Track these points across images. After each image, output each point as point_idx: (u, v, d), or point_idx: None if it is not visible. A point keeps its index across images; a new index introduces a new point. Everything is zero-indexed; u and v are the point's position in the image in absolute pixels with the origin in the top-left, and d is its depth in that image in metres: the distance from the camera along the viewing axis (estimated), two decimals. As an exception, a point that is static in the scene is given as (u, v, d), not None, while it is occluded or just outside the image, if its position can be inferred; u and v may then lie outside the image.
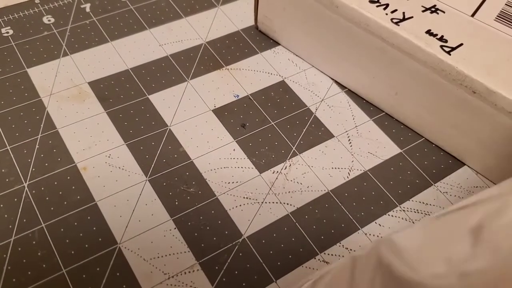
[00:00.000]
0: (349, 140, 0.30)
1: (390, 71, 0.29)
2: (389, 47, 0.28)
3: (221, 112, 0.31)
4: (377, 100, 0.32)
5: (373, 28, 0.28)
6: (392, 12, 0.29)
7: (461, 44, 0.27)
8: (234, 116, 0.31)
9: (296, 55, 0.34)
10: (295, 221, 0.27)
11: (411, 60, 0.28)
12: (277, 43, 0.35)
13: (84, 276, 0.24)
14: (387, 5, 0.29)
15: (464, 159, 0.30)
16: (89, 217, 0.26)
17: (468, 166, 0.30)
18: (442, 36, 0.28)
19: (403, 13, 0.29)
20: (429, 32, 0.28)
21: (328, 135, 0.30)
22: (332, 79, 0.33)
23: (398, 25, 0.28)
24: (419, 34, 0.28)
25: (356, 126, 0.31)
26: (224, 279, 0.24)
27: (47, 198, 0.26)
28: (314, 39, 0.32)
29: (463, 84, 0.26)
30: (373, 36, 0.29)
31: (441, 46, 0.27)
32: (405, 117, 0.31)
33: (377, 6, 0.29)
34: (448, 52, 0.27)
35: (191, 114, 0.31)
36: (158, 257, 0.24)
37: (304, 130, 0.30)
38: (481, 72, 0.26)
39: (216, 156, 0.29)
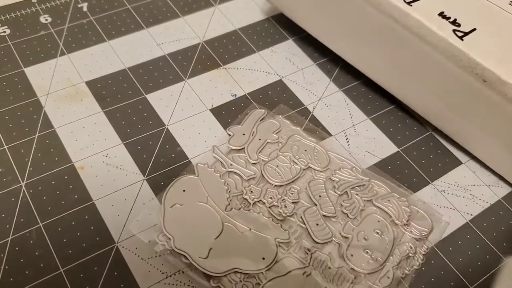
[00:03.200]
0: (347, 139, 0.30)
1: (399, 52, 0.29)
2: (400, 28, 0.27)
3: (218, 111, 0.31)
4: (382, 80, 0.31)
5: (385, 7, 0.27)
6: None
7: (474, 29, 0.26)
8: (232, 115, 0.31)
9: (302, 27, 0.34)
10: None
11: (421, 42, 0.27)
12: (274, 43, 0.35)
13: (81, 275, 0.24)
14: None
15: (470, 148, 0.30)
16: (86, 217, 0.26)
17: (474, 157, 0.30)
18: (455, 19, 0.27)
19: None
20: (442, 15, 0.27)
21: (326, 134, 0.30)
22: (339, 57, 0.33)
23: (411, 5, 0.27)
24: (431, 16, 0.27)
25: (353, 125, 0.31)
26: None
27: (44, 198, 0.26)
28: (323, 13, 0.31)
29: (473, 71, 0.25)
30: (384, 16, 0.28)
31: (454, 31, 0.26)
32: (410, 101, 0.31)
33: None
34: (461, 37, 0.26)
35: (188, 113, 0.31)
36: (156, 256, 0.24)
37: (302, 129, 0.30)
38: (494, 61, 0.25)
39: (214, 155, 0.29)
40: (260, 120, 0.30)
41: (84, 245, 0.25)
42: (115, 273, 0.24)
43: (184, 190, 0.26)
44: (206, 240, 0.24)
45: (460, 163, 0.30)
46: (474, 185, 0.29)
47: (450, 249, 0.26)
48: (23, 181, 0.26)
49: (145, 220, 0.25)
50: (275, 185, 0.27)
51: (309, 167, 0.28)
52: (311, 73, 0.34)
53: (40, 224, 0.25)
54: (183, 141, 0.29)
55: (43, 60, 0.32)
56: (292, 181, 0.27)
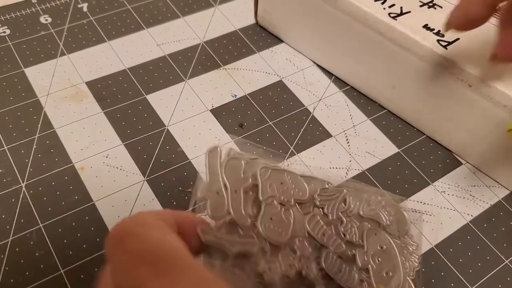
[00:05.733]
0: (347, 139, 0.30)
1: (388, 65, 0.29)
2: (386, 41, 0.28)
3: (219, 112, 0.31)
4: (375, 94, 0.32)
5: (371, 22, 0.28)
6: (390, 6, 0.29)
7: (458, 39, 0.27)
8: (232, 116, 0.31)
9: (295, 49, 0.35)
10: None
11: (408, 54, 0.28)
12: (275, 43, 0.35)
13: (82, 276, 0.24)
14: None
15: (461, 154, 0.30)
16: (87, 217, 0.25)
17: (468, 162, 0.30)
18: (439, 31, 0.28)
19: (401, 7, 0.29)
20: (426, 27, 0.28)
21: (326, 135, 0.30)
22: (332, 74, 0.33)
23: (396, 19, 0.28)
24: (416, 28, 0.28)
25: (354, 126, 0.31)
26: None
27: (44, 199, 0.26)
28: (313, 33, 0.32)
29: (459, 78, 0.26)
30: (371, 30, 0.29)
31: (438, 41, 0.27)
32: (403, 112, 0.31)
33: (375, 0, 0.29)
34: (445, 47, 0.27)
35: (189, 114, 0.31)
36: (156, 257, 0.24)
37: (302, 130, 0.30)
38: (477, 67, 0.26)
39: (214, 156, 0.29)
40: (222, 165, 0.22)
41: (84, 246, 0.25)
42: (116, 274, 0.24)
43: None
44: None
45: (460, 164, 0.30)
46: (474, 185, 0.29)
47: (450, 249, 0.26)
48: (23, 182, 0.26)
49: (146, 221, 0.25)
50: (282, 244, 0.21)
51: (295, 205, 0.23)
52: (311, 73, 0.34)
53: (41, 225, 0.25)
54: (183, 142, 0.29)
55: (43, 60, 0.32)
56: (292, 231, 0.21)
